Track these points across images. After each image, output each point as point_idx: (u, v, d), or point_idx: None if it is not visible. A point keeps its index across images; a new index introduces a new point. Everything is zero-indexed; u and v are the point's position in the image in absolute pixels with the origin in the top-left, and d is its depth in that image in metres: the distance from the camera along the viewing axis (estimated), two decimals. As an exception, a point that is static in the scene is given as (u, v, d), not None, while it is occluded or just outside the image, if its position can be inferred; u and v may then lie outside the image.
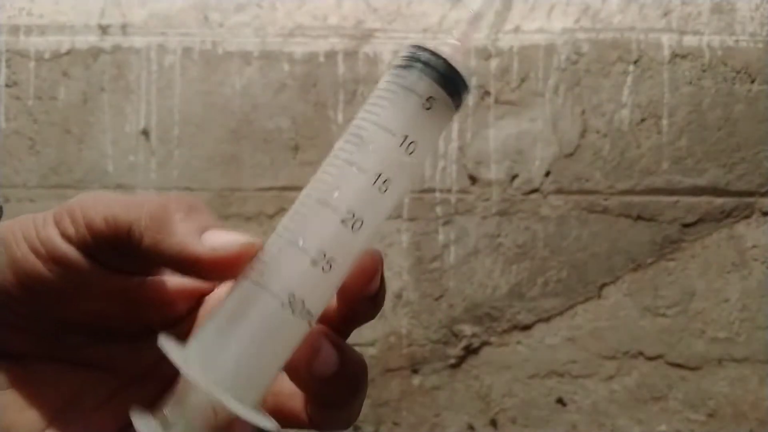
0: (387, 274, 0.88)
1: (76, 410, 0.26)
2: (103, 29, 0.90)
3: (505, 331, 0.89)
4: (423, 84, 0.26)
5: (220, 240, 0.24)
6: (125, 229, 0.24)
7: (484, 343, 0.89)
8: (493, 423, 0.89)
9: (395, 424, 0.89)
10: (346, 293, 0.26)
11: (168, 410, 0.24)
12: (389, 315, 0.89)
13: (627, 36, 0.89)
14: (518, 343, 0.89)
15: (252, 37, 0.89)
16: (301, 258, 0.24)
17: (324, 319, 0.26)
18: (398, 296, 0.89)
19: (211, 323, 0.24)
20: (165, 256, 0.23)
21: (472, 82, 0.27)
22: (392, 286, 0.89)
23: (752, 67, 0.89)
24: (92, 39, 0.90)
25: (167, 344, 0.23)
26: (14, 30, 0.90)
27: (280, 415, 0.28)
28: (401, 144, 0.25)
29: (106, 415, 0.27)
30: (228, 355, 0.23)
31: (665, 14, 0.90)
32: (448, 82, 0.26)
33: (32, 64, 0.89)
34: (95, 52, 0.90)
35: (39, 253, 0.25)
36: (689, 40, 0.89)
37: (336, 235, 0.25)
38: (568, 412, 0.90)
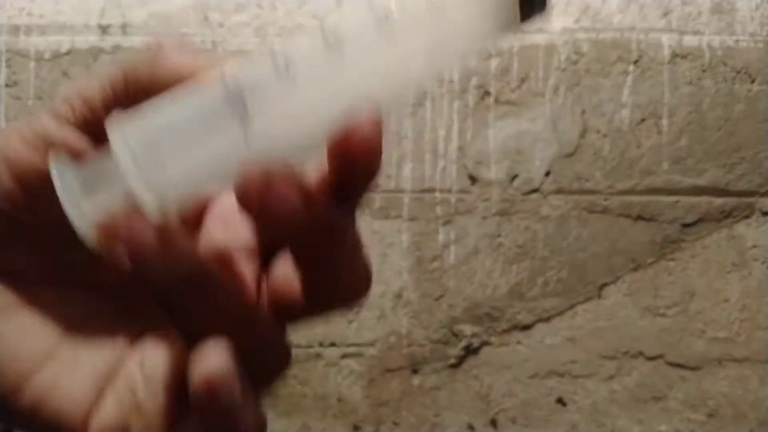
0: (387, 274, 0.88)
1: (82, 333, 0.25)
2: (103, 29, 0.90)
3: (505, 331, 0.89)
4: None
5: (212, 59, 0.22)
6: (121, 82, 0.23)
7: (484, 343, 0.89)
8: (493, 423, 0.89)
9: (395, 424, 0.89)
10: (336, 151, 0.23)
11: (89, 169, 0.21)
12: (389, 315, 0.89)
13: (627, 36, 0.89)
14: (518, 343, 0.90)
15: (252, 37, 0.89)
16: (266, 61, 0.21)
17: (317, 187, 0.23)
18: (398, 296, 0.89)
19: (154, 108, 0.21)
20: (163, 80, 0.22)
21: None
22: (392, 286, 0.89)
23: (752, 67, 0.89)
24: (92, 39, 0.90)
25: (117, 117, 0.21)
26: (14, 30, 0.90)
27: (277, 304, 0.25)
28: None
29: (113, 337, 0.25)
30: (151, 132, 0.21)
31: (665, 14, 0.90)
32: None
33: (32, 64, 0.89)
34: (95, 52, 0.90)
35: (35, 146, 0.23)
36: (689, 40, 0.89)
37: (309, 51, 0.21)
38: (568, 412, 0.90)
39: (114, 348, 0.25)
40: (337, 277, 0.24)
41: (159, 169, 0.20)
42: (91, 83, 0.23)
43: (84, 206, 0.21)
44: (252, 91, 0.20)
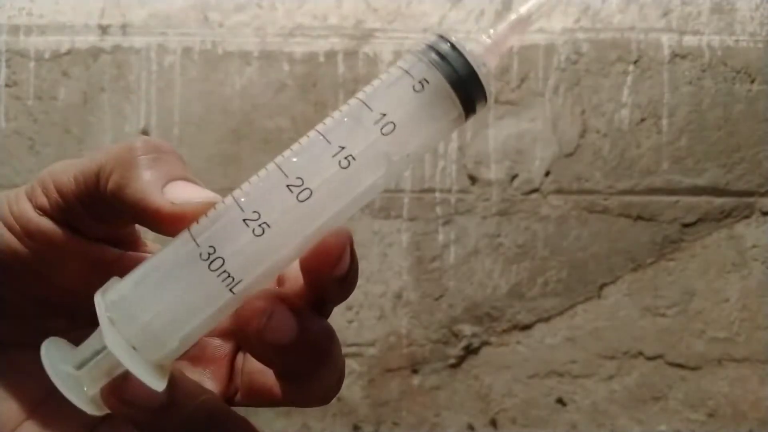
0: (387, 274, 0.88)
1: (56, 400, 0.25)
2: (103, 29, 0.90)
3: (505, 331, 0.89)
4: (421, 66, 0.23)
5: (182, 194, 0.23)
6: (93, 179, 0.23)
7: (484, 343, 0.89)
8: (493, 423, 0.89)
9: (395, 424, 0.89)
10: (310, 273, 0.24)
11: (79, 351, 0.23)
12: (389, 315, 0.89)
13: (627, 36, 0.89)
14: (518, 343, 0.90)
15: (252, 37, 0.89)
16: (235, 214, 0.22)
17: (291, 298, 0.24)
18: (398, 296, 0.89)
19: (139, 269, 0.23)
20: (126, 203, 0.22)
21: (490, 86, 0.23)
22: (392, 286, 0.89)
23: (752, 67, 0.89)
24: (92, 39, 0.90)
25: (103, 289, 0.22)
26: (14, 30, 0.90)
27: (253, 392, 0.26)
28: (376, 122, 0.23)
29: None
30: (140, 304, 0.22)
31: (665, 14, 0.90)
32: (453, 73, 0.23)
33: (32, 64, 0.89)
34: (95, 52, 0.90)
35: (13, 229, 0.24)
36: (689, 40, 0.89)
37: (278, 199, 0.22)
38: (568, 412, 0.90)
39: (85, 419, 0.25)
40: (312, 385, 0.25)
41: (152, 343, 0.22)
42: (65, 173, 0.24)
43: (76, 380, 0.22)
44: (223, 244, 0.22)
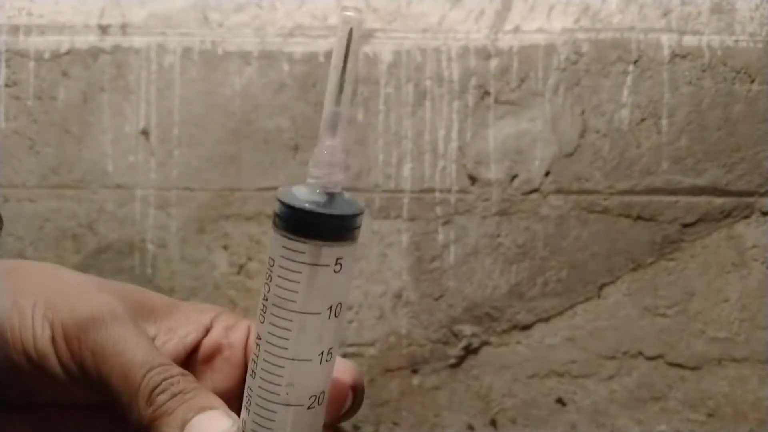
0: (387, 274, 0.88)
1: None
2: (103, 29, 0.90)
3: (504, 331, 0.89)
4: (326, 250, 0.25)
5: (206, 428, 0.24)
6: (117, 405, 0.25)
7: (484, 343, 0.89)
8: (493, 423, 0.89)
9: (395, 424, 0.89)
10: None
11: None
12: (389, 315, 0.89)
13: (627, 36, 0.89)
14: (518, 343, 0.90)
15: (252, 37, 0.89)
16: None
17: None
18: (398, 296, 0.89)
19: None
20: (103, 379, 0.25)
21: (356, 202, 0.24)
22: (392, 286, 0.89)
23: (752, 67, 0.89)
24: (92, 39, 0.90)
25: None
26: (14, 30, 0.90)
27: None
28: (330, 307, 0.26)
29: None
30: None
31: (665, 14, 0.90)
32: (328, 231, 0.25)
33: (32, 64, 0.89)
34: (95, 52, 0.90)
35: (31, 360, 0.25)
36: (689, 40, 0.89)
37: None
38: (568, 412, 0.90)
39: None
40: None
41: None
42: (103, 358, 0.25)
43: None
44: None
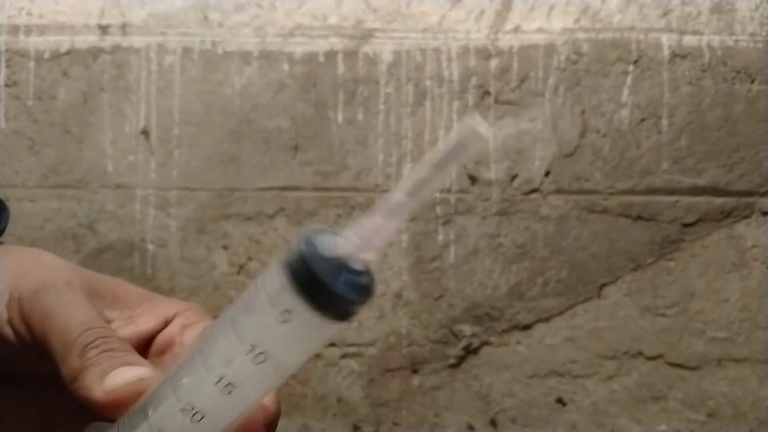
0: (387, 273, 0.88)
1: (50, 427, 0.29)
2: (103, 29, 0.90)
3: (505, 331, 0.89)
4: (285, 296, 0.23)
5: (116, 381, 0.26)
6: (54, 361, 0.26)
7: (484, 343, 0.89)
8: (493, 423, 0.89)
9: (395, 424, 0.89)
10: None
11: None
12: (389, 315, 0.89)
13: (627, 36, 0.89)
14: (518, 343, 0.89)
15: (252, 37, 0.89)
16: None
17: None
18: (398, 296, 0.89)
19: None
20: (79, 402, 0.26)
21: (369, 286, 0.23)
22: (392, 286, 0.89)
23: (752, 67, 0.89)
24: (92, 39, 0.90)
25: None
26: (14, 30, 0.90)
27: None
28: (248, 352, 0.24)
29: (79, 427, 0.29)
30: None
31: (665, 14, 0.90)
32: (317, 297, 0.23)
33: (32, 64, 0.89)
34: (95, 52, 0.90)
35: None
36: (689, 40, 0.89)
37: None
38: (568, 412, 0.90)
39: None
40: None
41: None
42: (42, 320, 0.27)
43: None
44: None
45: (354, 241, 0.23)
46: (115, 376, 0.25)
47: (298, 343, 0.24)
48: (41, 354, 0.27)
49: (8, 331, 0.27)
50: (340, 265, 0.23)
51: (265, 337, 0.24)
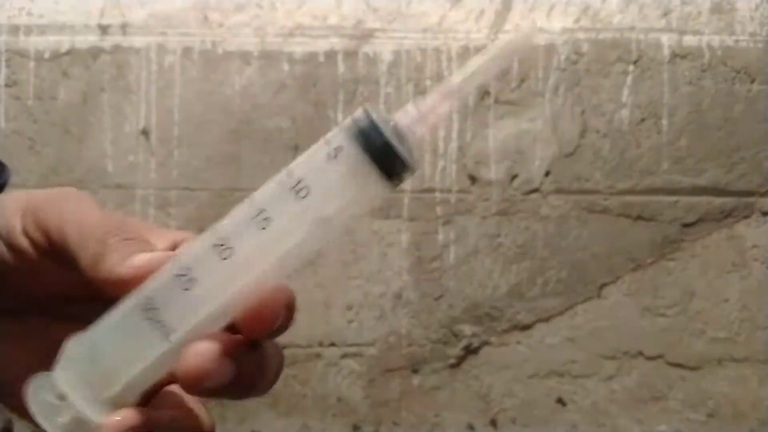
0: (387, 273, 0.88)
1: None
2: (103, 29, 0.90)
3: (505, 331, 0.89)
4: (339, 136, 0.25)
5: (143, 260, 0.26)
6: (71, 253, 0.27)
7: (484, 343, 0.89)
8: (493, 423, 0.89)
9: (395, 423, 0.89)
10: (246, 329, 0.27)
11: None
12: (389, 315, 0.89)
13: (627, 36, 0.89)
14: (518, 343, 0.89)
15: (252, 37, 0.89)
16: (169, 271, 0.25)
17: (227, 341, 0.27)
18: (398, 296, 0.89)
19: (97, 322, 0.26)
20: (99, 281, 0.26)
21: (413, 157, 0.24)
22: (392, 286, 0.89)
23: (752, 67, 0.89)
24: (92, 39, 0.90)
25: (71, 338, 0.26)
26: (14, 30, 0.90)
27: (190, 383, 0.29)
28: (293, 186, 0.25)
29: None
30: (89, 349, 0.26)
31: (665, 14, 0.90)
32: (370, 144, 0.24)
33: (32, 64, 0.89)
34: (95, 52, 0.90)
35: (3, 238, 0.28)
36: (689, 40, 0.89)
37: (203, 256, 0.25)
38: (568, 411, 0.90)
39: None
40: (252, 393, 0.28)
41: (104, 385, 0.25)
42: (55, 223, 0.28)
43: (56, 420, 0.26)
44: (164, 302, 0.25)
45: (412, 113, 0.25)
46: (138, 257, 0.26)
47: (338, 185, 0.25)
48: (56, 261, 0.27)
49: (22, 241, 0.28)
50: (396, 128, 0.25)
51: (310, 171, 0.25)
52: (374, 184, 0.25)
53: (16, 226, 0.28)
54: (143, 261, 0.26)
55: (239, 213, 0.26)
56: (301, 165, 0.25)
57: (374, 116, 0.24)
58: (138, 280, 0.26)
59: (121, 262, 0.26)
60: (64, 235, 0.27)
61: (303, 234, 0.25)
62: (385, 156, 0.25)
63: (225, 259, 0.25)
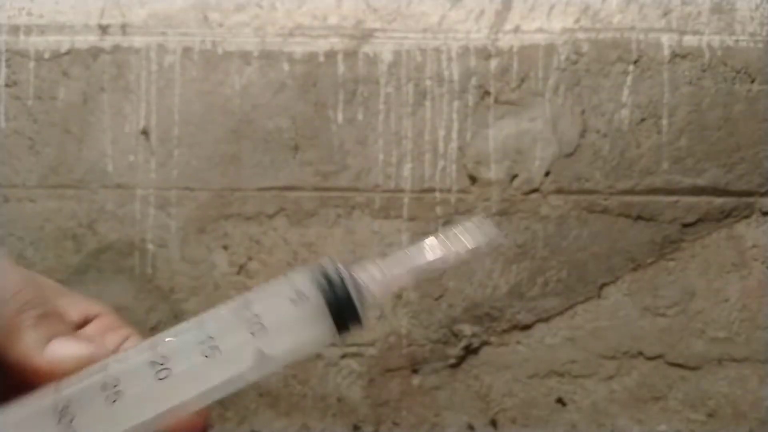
0: (387, 274, 0.88)
1: None
2: (103, 29, 0.90)
3: (505, 331, 0.89)
4: (305, 283, 0.25)
5: (62, 352, 0.24)
6: None
7: (484, 343, 0.89)
8: (493, 423, 0.89)
9: (395, 424, 0.89)
10: None
11: None
12: (389, 315, 0.89)
13: (627, 36, 0.89)
14: (518, 343, 0.89)
15: (252, 37, 0.89)
16: (97, 378, 0.24)
17: None
18: (398, 296, 0.89)
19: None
20: (10, 363, 0.24)
21: (366, 315, 0.25)
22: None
23: (752, 67, 0.89)
24: (92, 39, 0.90)
25: None
26: (14, 30, 0.90)
27: None
28: (249, 319, 0.25)
29: None
30: None
31: (665, 14, 0.90)
32: (333, 298, 0.25)
33: (32, 64, 0.89)
34: (95, 52, 0.90)
35: None
36: (689, 40, 0.89)
37: (137, 371, 0.24)
38: (568, 411, 0.90)
39: None
40: None
41: None
42: None
43: None
44: (82, 409, 0.23)
45: (376, 276, 0.26)
46: (59, 346, 0.24)
47: (293, 330, 0.25)
48: None
49: None
50: (357, 285, 0.25)
51: (268, 310, 0.25)
52: (325, 335, 0.26)
53: None
54: (64, 354, 0.24)
55: (186, 334, 0.25)
56: (261, 301, 0.25)
57: (342, 272, 0.25)
58: (54, 376, 0.23)
59: (37, 349, 0.24)
60: None
61: (244, 367, 0.25)
62: (344, 312, 0.25)
63: (161, 379, 0.24)
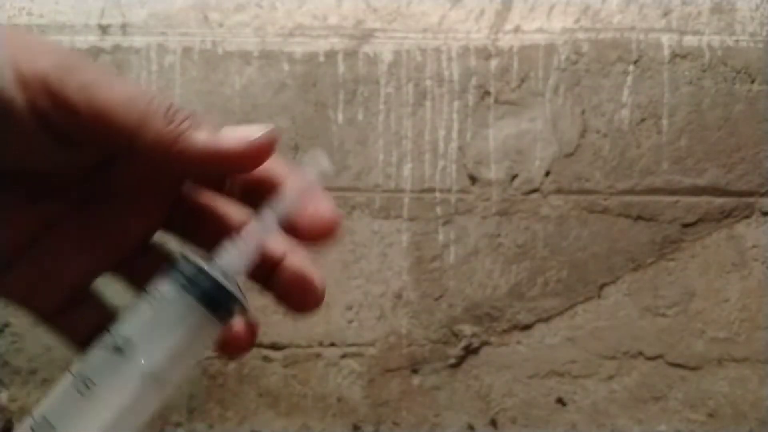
0: (387, 273, 0.88)
1: (42, 245, 0.26)
2: (103, 29, 0.90)
3: (505, 331, 0.89)
4: (165, 286, 0.25)
5: (241, 133, 0.24)
6: (123, 129, 0.23)
7: (484, 343, 0.89)
8: (493, 423, 0.89)
9: (395, 424, 0.89)
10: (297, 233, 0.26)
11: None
12: (389, 315, 0.89)
13: (627, 36, 0.89)
14: (518, 343, 0.89)
15: (252, 36, 0.89)
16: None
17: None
18: (398, 296, 0.89)
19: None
20: (189, 154, 0.23)
21: (244, 294, 0.25)
22: (392, 286, 0.89)
23: (752, 67, 0.89)
24: (92, 39, 0.90)
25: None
26: (14, 30, 0.90)
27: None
28: (114, 344, 0.24)
29: (74, 247, 0.27)
30: None
31: (665, 14, 0.90)
32: (197, 287, 0.24)
33: (32, 64, 0.89)
34: (95, 52, 0.90)
35: None
36: (689, 40, 0.89)
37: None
38: (568, 412, 0.90)
39: (73, 260, 0.27)
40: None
41: None
42: (83, 92, 0.24)
43: None
44: None
45: (232, 251, 0.26)
46: (240, 129, 0.23)
47: (164, 331, 0.24)
48: (75, 129, 0.24)
49: (23, 114, 0.23)
50: (220, 267, 0.25)
51: (132, 326, 0.24)
52: (202, 325, 0.25)
53: (13, 96, 0.23)
54: (256, 132, 0.24)
55: (61, 386, 0.24)
56: (121, 322, 0.24)
57: (197, 261, 0.24)
58: (257, 154, 0.23)
59: (216, 136, 0.23)
60: (103, 111, 0.23)
61: (134, 390, 0.24)
62: (215, 297, 0.24)
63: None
